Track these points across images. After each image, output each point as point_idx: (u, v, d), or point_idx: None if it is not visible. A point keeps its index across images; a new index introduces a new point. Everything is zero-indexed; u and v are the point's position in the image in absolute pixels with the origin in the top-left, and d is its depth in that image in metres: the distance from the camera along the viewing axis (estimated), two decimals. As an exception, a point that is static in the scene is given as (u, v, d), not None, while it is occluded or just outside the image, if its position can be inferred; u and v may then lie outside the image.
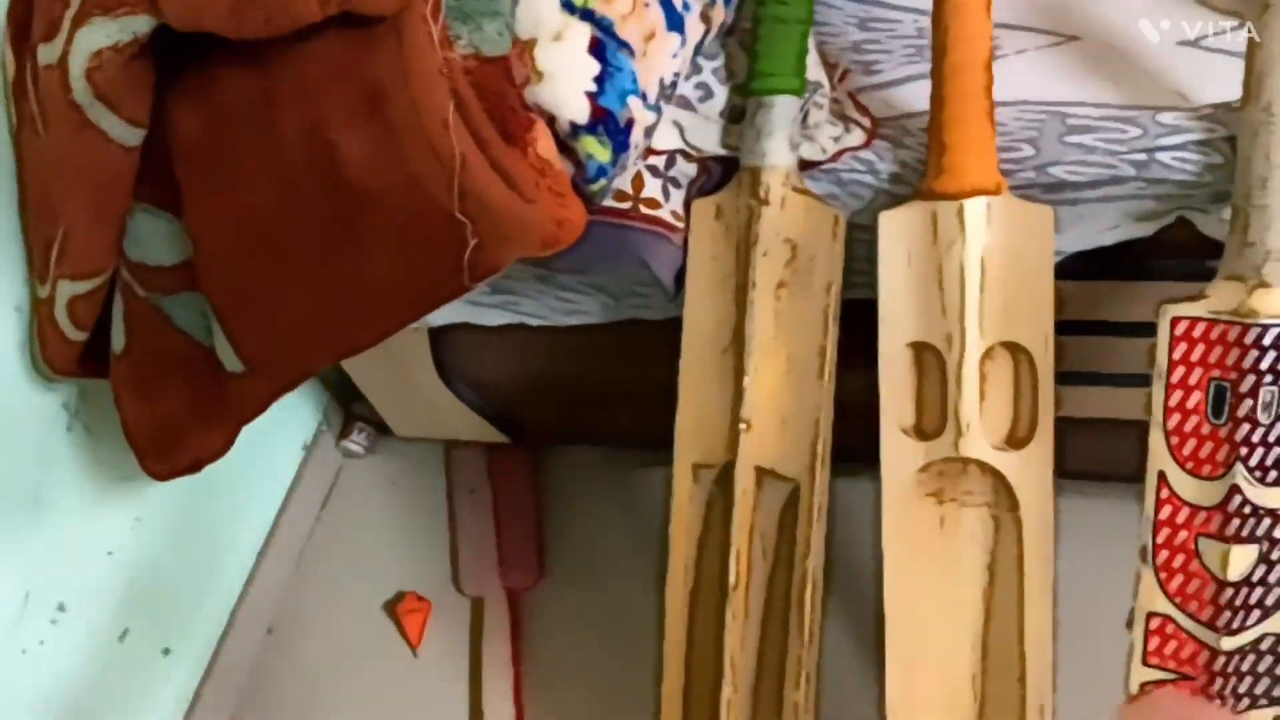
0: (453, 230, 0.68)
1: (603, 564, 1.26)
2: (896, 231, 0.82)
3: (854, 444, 0.86)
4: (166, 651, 1.20)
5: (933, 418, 0.83)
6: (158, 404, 0.93)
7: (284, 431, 1.36)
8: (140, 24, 0.69)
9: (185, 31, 0.69)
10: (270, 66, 0.71)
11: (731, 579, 0.87)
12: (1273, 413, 0.76)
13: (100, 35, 0.70)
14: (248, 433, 0.99)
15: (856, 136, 0.87)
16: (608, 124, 0.74)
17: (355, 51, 0.68)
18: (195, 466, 0.96)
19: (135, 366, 0.92)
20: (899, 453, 0.83)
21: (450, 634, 1.26)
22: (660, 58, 0.78)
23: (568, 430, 1.27)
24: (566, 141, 0.73)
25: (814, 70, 0.88)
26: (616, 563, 1.24)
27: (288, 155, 0.72)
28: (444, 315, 1.04)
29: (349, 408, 1.43)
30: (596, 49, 0.73)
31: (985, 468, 0.82)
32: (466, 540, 1.33)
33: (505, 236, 0.69)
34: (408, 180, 0.67)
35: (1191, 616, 0.80)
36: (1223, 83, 0.78)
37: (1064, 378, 0.83)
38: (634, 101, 0.75)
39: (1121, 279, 0.89)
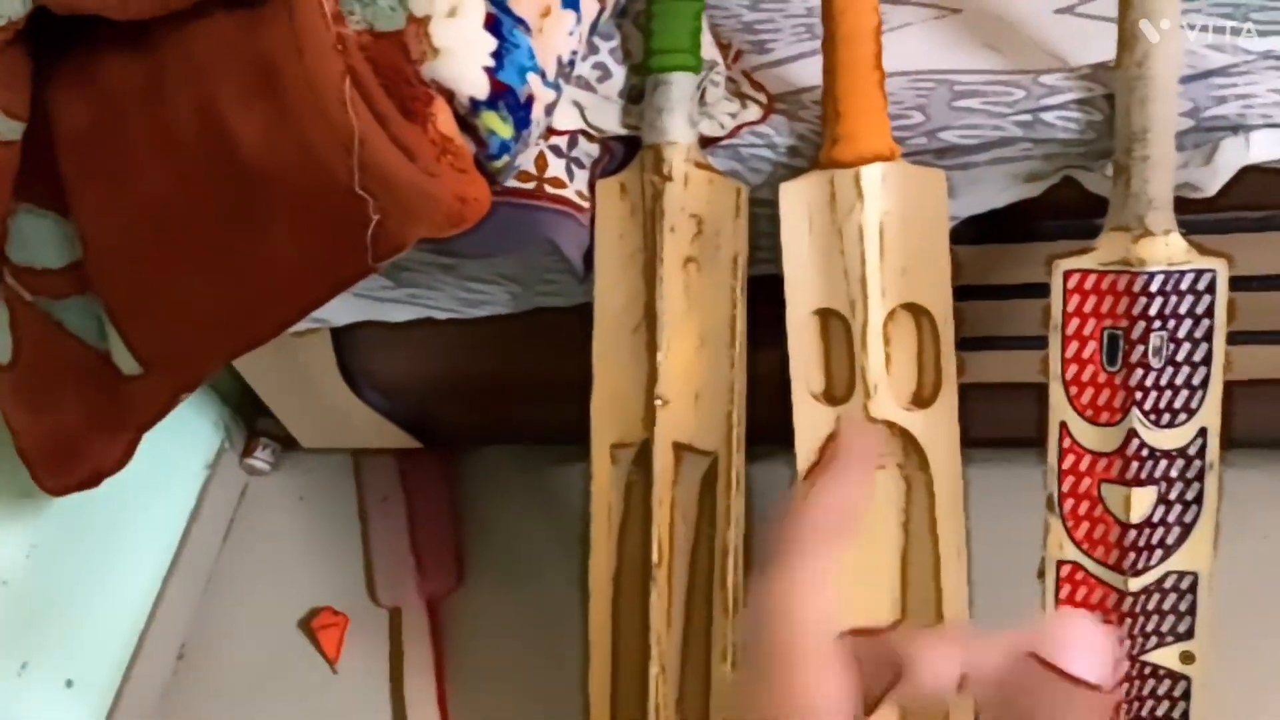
0: (354, 207, 0.67)
1: (524, 565, 1.24)
2: (797, 201, 0.83)
3: (770, 421, 0.87)
4: (70, 683, 1.15)
5: (841, 382, 0.85)
6: (51, 415, 0.89)
7: (184, 451, 1.32)
8: (14, 6, 0.66)
9: (65, 14, 0.67)
10: (157, 49, 0.69)
11: (654, 556, 0.87)
12: (1163, 357, 0.79)
13: (-28, 20, 0.67)
14: (145, 454, 0.95)
15: (753, 112, 0.88)
16: (508, 99, 0.73)
17: (246, 29, 0.66)
18: (94, 479, 0.93)
19: (25, 377, 0.88)
20: (811, 418, 0.84)
21: (369, 647, 1.23)
22: (556, 35, 0.78)
23: (481, 429, 1.25)
24: (467, 118, 0.73)
25: (708, 50, 0.89)
26: (538, 563, 1.23)
27: (180, 140, 0.70)
28: (348, 313, 1.02)
29: (253, 424, 1.40)
30: (492, 25, 0.73)
31: (895, 428, 0.84)
32: (381, 550, 1.30)
33: (408, 212, 0.68)
34: (305, 157, 0.66)
35: (1098, 561, 0.83)
36: (1098, 44, 0.81)
37: (962, 343, 0.85)
38: (533, 78, 0.75)
39: (1014, 242, 0.92)
